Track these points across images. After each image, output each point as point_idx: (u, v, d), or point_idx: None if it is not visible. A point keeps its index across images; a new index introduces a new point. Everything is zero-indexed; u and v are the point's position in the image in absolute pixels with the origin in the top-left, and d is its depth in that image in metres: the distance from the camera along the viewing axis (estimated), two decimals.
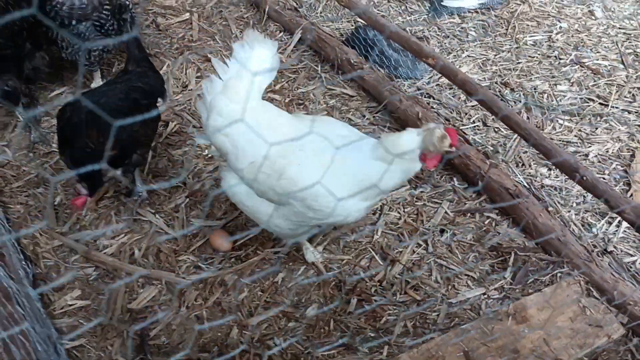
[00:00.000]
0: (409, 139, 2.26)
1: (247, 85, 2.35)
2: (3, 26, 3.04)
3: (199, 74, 3.95)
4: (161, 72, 3.95)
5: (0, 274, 2.18)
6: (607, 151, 3.38)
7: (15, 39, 3.20)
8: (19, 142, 3.54)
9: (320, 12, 4.50)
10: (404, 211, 3.08)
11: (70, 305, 2.76)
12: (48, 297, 2.77)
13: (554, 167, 3.14)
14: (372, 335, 2.59)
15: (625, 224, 2.97)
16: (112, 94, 2.85)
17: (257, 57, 2.39)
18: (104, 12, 3.48)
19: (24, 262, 2.79)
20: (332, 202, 2.27)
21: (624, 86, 3.78)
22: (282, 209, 2.42)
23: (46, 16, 3.30)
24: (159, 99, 3.08)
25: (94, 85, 3.79)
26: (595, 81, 3.82)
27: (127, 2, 3.67)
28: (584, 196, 3.13)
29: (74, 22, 3.41)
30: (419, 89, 3.78)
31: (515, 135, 3.38)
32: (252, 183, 2.42)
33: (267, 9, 4.36)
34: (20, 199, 3.21)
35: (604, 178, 3.22)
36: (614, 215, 2.97)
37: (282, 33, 4.28)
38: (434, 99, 3.73)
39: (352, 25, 4.27)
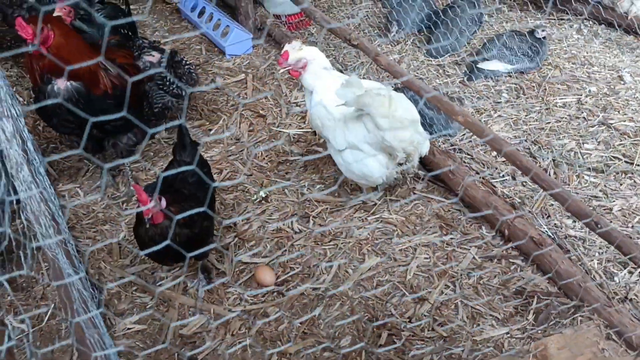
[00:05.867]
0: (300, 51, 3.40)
1: None
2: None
3: (251, 128, 4.35)
4: (217, 125, 4.40)
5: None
6: (631, 206, 3.56)
7: None
8: (89, 185, 3.98)
9: (364, 75, 4.90)
10: (434, 255, 3.33)
11: (129, 328, 3.08)
12: (110, 320, 3.11)
13: (578, 219, 3.32)
14: None
15: None
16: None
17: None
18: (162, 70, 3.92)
19: (91, 289, 3.15)
20: None
21: None
22: None
23: None
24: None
25: (157, 136, 4.26)
26: (621, 141, 4.03)
27: (180, 58, 4.12)
28: (607, 247, 3.30)
29: None
30: (452, 145, 4.07)
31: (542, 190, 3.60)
32: None
33: None
34: (89, 234, 3.61)
35: (627, 231, 3.40)
36: (635, 265, 3.14)
37: None
38: (466, 154, 4.01)
39: (392, 87, 4.63)
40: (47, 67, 3.13)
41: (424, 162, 3.83)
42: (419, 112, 4.12)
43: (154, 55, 3.83)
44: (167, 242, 2.43)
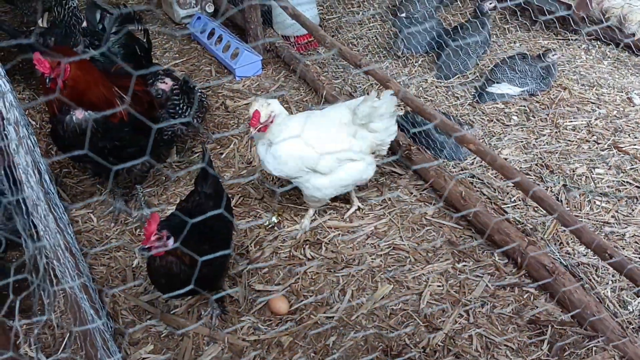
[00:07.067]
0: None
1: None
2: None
3: None
4: (228, 149, 4.42)
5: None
6: None
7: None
8: (102, 210, 4.00)
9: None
10: (447, 283, 3.33)
11: (145, 358, 3.10)
12: (125, 350, 3.12)
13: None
14: None
15: None
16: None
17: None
18: (174, 97, 3.96)
19: (106, 318, 3.17)
20: None
21: None
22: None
23: None
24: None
25: (169, 160, 4.29)
26: (632, 165, 4.04)
27: (192, 85, 4.16)
28: (620, 275, 3.30)
29: None
30: (463, 169, 4.09)
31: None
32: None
33: (324, 94, 4.82)
34: (103, 261, 3.63)
35: None
36: None
37: None
38: (478, 179, 4.02)
39: (402, 110, 4.66)
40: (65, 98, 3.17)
41: (435, 188, 3.84)
42: (430, 136, 4.18)
43: (166, 83, 3.86)
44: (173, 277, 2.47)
